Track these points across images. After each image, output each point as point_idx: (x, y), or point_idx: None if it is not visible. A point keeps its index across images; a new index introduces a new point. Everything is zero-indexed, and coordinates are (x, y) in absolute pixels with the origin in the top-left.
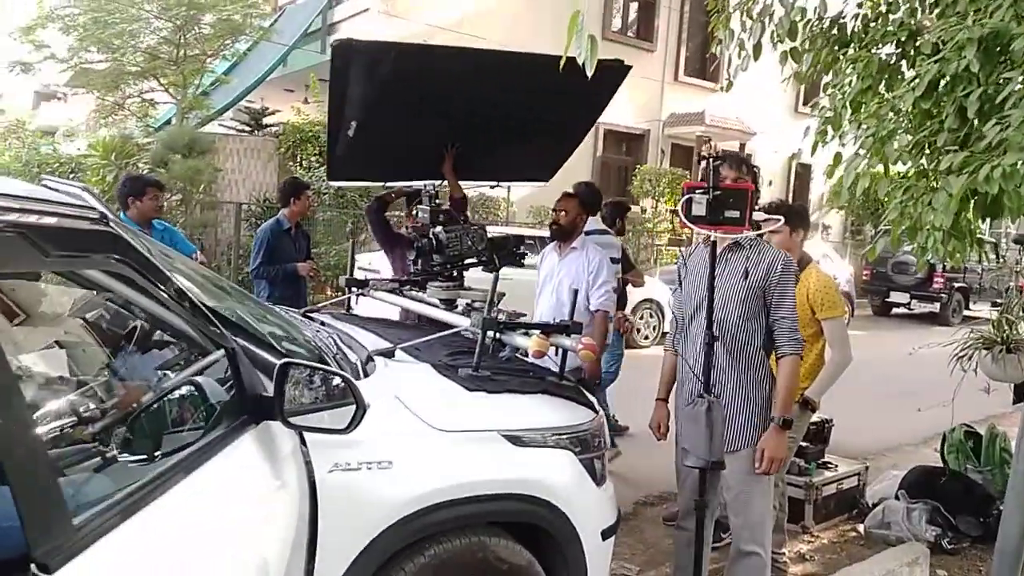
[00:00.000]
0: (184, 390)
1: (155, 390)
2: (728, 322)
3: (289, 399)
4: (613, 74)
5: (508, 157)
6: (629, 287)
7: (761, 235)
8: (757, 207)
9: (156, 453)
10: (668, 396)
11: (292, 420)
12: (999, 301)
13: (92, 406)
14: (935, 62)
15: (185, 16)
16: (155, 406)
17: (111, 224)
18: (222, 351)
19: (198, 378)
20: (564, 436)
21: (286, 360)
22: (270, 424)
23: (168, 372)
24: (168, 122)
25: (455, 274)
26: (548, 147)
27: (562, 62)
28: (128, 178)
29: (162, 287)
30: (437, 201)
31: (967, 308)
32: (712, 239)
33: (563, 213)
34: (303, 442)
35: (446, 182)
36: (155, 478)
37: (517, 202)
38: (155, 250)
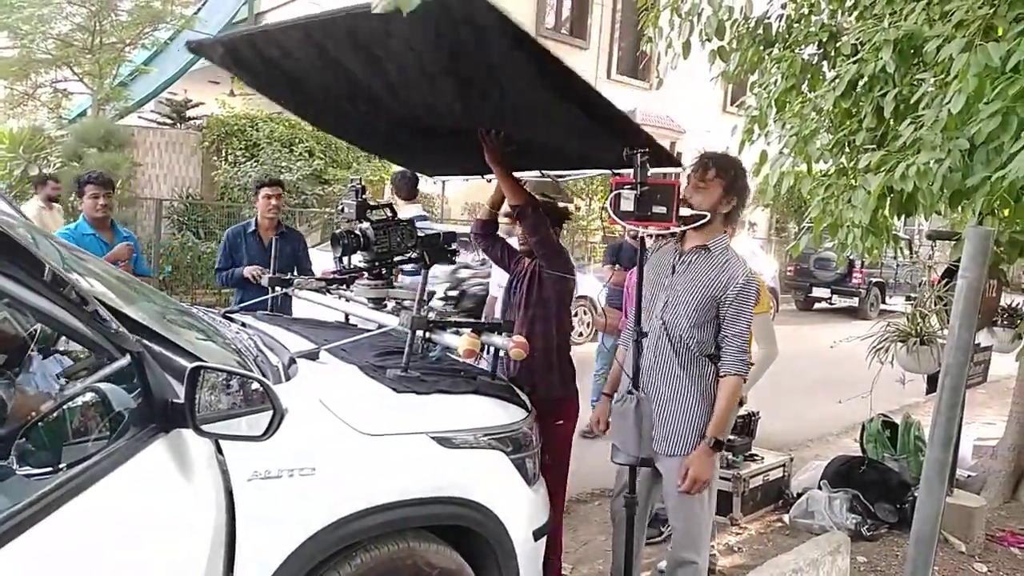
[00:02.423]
0: (86, 398)
1: (56, 399)
2: (679, 326)
3: (205, 405)
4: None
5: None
6: None
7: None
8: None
9: (55, 465)
10: (613, 392)
11: (205, 427)
12: (913, 295)
13: None
14: (854, 63)
15: (101, 1)
16: (54, 416)
17: None
18: (128, 356)
19: (101, 385)
20: (495, 436)
21: (196, 364)
22: (182, 432)
23: (74, 380)
24: (83, 114)
25: (383, 272)
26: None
27: None
28: (75, 178)
29: (60, 290)
30: (363, 196)
31: (884, 302)
32: (640, 235)
33: None
34: (219, 450)
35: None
36: (51, 491)
37: (451, 198)
38: (58, 252)
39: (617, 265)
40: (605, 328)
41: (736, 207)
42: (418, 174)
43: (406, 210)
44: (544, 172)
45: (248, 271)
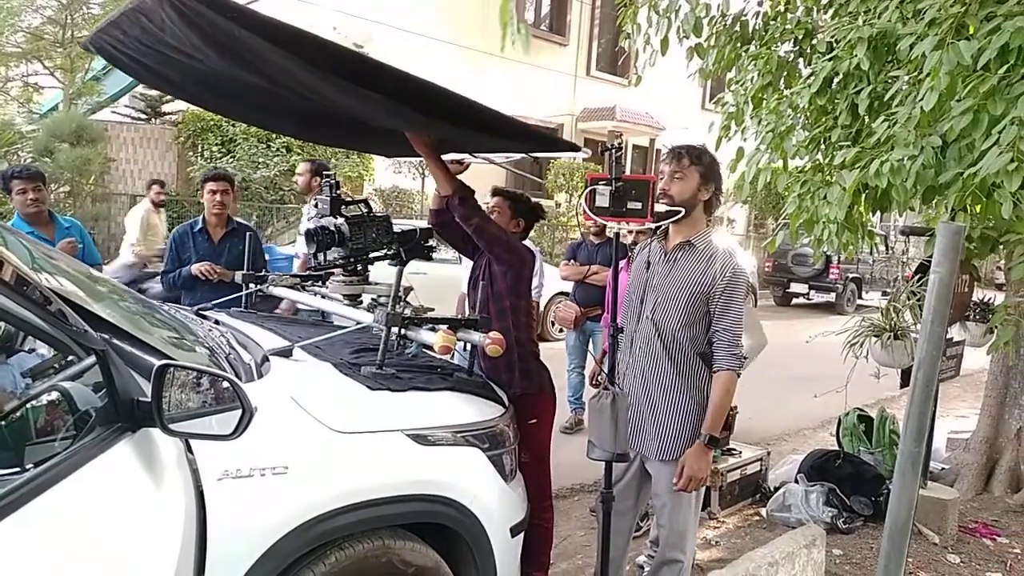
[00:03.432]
0: (51, 397)
1: (19, 398)
2: (668, 325)
3: (174, 403)
4: None
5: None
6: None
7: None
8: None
9: (17, 465)
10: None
11: (173, 427)
12: (888, 290)
13: None
14: (829, 60)
15: None
16: (16, 415)
17: None
18: (93, 355)
19: (65, 384)
20: (472, 433)
21: (164, 362)
22: (150, 431)
23: (40, 379)
24: (55, 108)
25: (359, 268)
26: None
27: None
28: (0, 174)
29: (22, 289)
30: (339, 191)
31: (860, 297)
32: (616, 231)
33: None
34: (189, 449)
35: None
36: (13, 490)
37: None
38: (27, 250)
39: (573, 261)
40: (568, 324)
41: (715, 195)
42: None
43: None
44: (474, 154)
45: (196, 268)
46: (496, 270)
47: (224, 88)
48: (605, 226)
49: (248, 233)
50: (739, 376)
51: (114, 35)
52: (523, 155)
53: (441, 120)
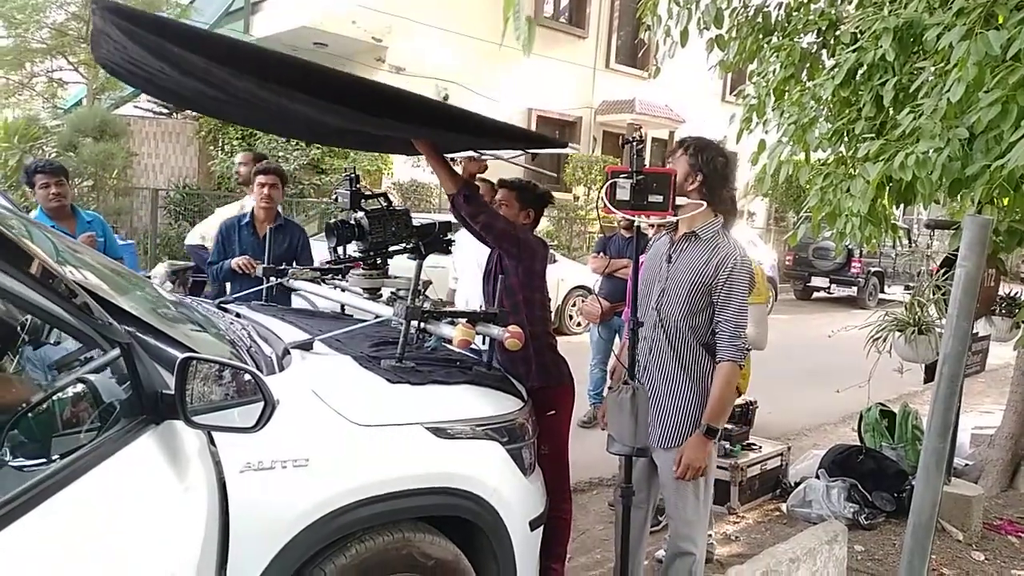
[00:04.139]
0: (76, 389)
1: (45, 389)
2: (672, 316)
3: (197, 396)
4: None
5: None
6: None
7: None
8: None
9: (43, 456)
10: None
11: (196, 419)
12: (911, 284)
13: None
14: (853, 51)
15: None
16: (43, 406)
17: None
18: (117, 347)
19: (91, 376)
20: (491, 427)
21: (187, 355)
22: (173, 423)
23: (66, 371)
24: (79, 103)
25: (379, 262)
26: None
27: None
28: (23, 169)
29: (48, 282)
30: (358, 185)
31: (883, 291)
32: (637, 224)
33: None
34: (212, 441)
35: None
36: (40, 481)
37: None
38: (52, 243)
39: (602, 254)
40: (593, 318)
41: (704, 186)
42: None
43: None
44: (480, 152)
45: (236, 262)
46: (508, 264)
47: (221, 98)
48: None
49: (297, 230)
50: (741, 368)
51: (104, 52)
52: (521, 152)
53: (427, 127)
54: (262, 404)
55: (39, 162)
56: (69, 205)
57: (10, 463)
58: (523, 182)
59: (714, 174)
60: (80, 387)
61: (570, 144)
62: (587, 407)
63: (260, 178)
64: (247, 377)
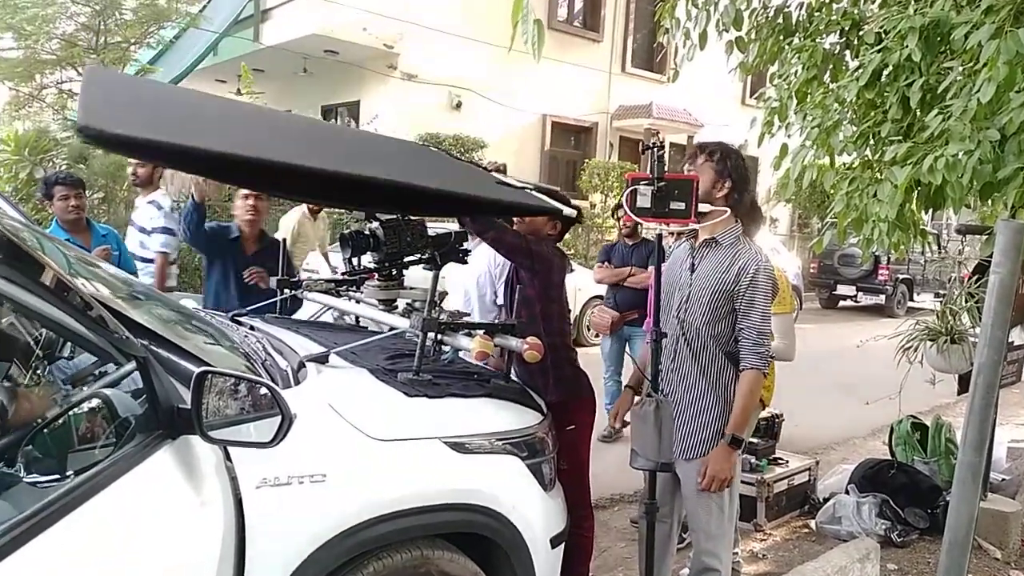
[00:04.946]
0: (92, 404)
1: (61, 405)
2: (693, 324)
3: (213, 411)
4: None
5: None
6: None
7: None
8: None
9: (59, 472)
10: (638, 387)
11: (212, 434)
12: (942, 292)
13: None
14: (878, 52)
15: (105, 0)
16: (60, 422)
17: None
18: (133, 361)
19: (106, 391)
20: (510, 441)
21: (203, 369)
22: (189, 438)
23: (81, 386)
24: None
25: (394, 272)
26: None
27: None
28: (42, 180)
29: (63, 295)
30: None
31: (912, 299)
32: (659, 232)
33: None
34: (227, 457)
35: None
36: (57, 499)
37: None
38: (64, 256)
39: (606, 264)
40: (603, 329)
41: (734, 192)
42: None
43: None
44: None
45: (249, 274)
46: (524, 276)
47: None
48: (637, 226)
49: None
50: (765, 376)
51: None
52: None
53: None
54: (279, 418)
55: (59, 173)
56: (85, 218)
57: (25, 480)
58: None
59: (741, 180)
60: (96, 402)
61: (566, 209)
62: (607, 421)
63: (243, 190)
64: (263, 391)
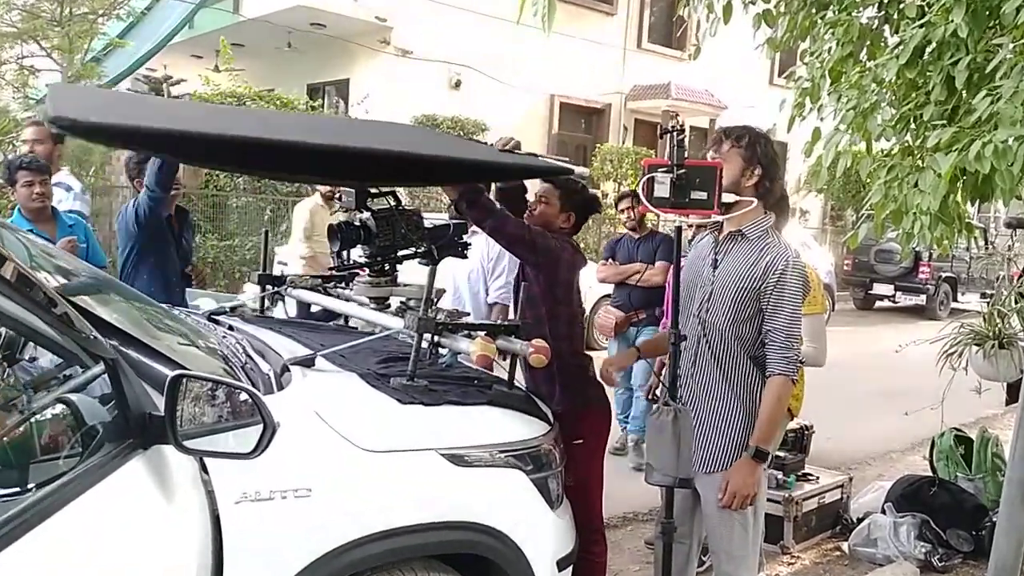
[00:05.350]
0: (55, 410)
1: (21, 411)
2: (715, 325)
3: (188, 418)
4: None
5: None
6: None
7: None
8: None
9: (19, 486)
10: (643, 350)
11: (187, 443)
12: (989, 292)
13: None
14: (920, 27)
15: None
16: (19, 430)
17: None
18: (102, 363)
19: (72, 396)
20: (514, 453)
21: (178, 372)
22: (162, 448)
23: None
24: None
25: (387, 268)
26: None
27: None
28: (4, 164)
29: (25, 290)
30: None
31: (955, 300)
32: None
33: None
34: (204, 469)
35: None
36: (15, 515)
37: None
38: (25, 247)
39: (610, 260)
40: (607, 332)
41: (765, 179)
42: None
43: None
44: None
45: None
46: (528, 272)
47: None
48: (643, 217)
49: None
50: (794, 383)
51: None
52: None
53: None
54: (261, 427)
55: (23, 157)
56: (51, 207)
57: None
58: (571, 180)
59: (771, 167)
60: (60, 408)
61: (578, 168)
62: (618, 432)
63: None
64: (243, 397)
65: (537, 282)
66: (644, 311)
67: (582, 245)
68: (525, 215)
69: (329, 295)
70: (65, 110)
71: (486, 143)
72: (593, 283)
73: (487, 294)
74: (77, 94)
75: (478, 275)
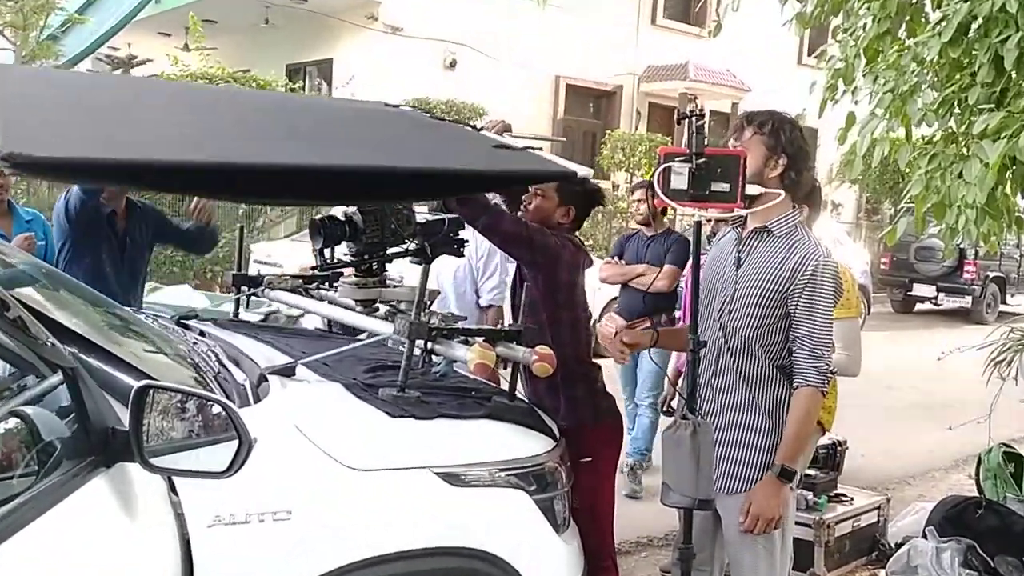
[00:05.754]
0: (8, 424)
1: None
2: (738, 331)
3: (155, 433)
4: None
5: None
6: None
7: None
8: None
9: None
10: (661, 336)
11: (154, 461)
12: None
13: None
14: (965, 1)
15: None
16: None
17: None
18: (60, 373)
19: (27, 408)
20: (516, 472)
21: (144, 383)
22: (126, 466)
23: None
24: None
25: (375, 267)
26: None
27: None
28: None
29: None
30: None
31: (1003, 302)
32: (697, 219)
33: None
34: (173, 489)
35: None
36: None
37: None
38: None
39: (616, 259)
40: (608, 342)
41: (790, 170)
42: None
43: None
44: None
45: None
46: (526, 273)
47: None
48: (659, 212)
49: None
50: (824, 395)
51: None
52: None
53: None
54: (236, 443)
55: None
56: (7, 200)
57: None
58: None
59: (799, 155)
60: (14, 422)
61: (580, 170)
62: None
63: None
64: (216, 410)
65: (537, 285)
66: (649, 318)
67: (590, 242)
68: (521, 211)
69: (311, 297)
70: (18, 143)
71: (474, 125)
72: (602, 284)
73: (476, 296)
74: (34, 102)
75: (465, 274)
